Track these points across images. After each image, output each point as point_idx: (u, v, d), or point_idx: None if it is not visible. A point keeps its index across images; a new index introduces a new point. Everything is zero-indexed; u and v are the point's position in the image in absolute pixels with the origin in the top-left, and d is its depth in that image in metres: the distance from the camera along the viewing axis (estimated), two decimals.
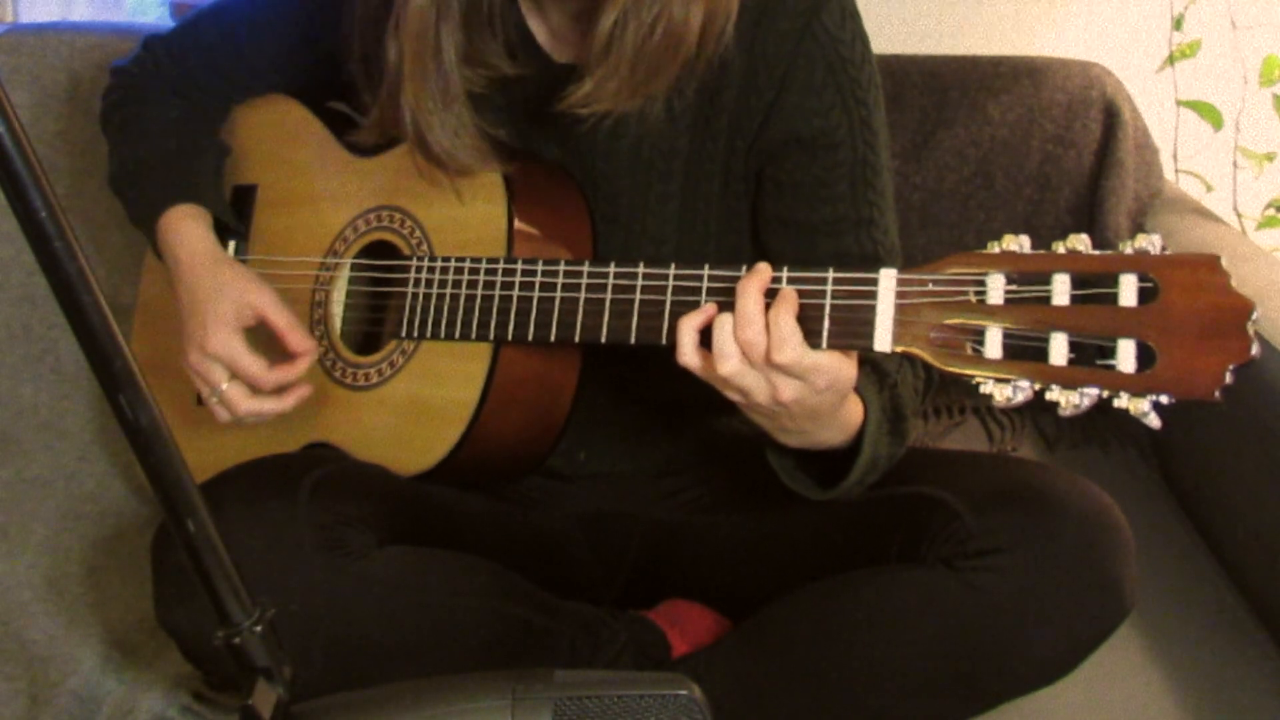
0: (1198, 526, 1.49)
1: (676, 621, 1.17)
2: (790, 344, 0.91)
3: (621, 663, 1.12)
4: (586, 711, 0.77)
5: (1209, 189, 1.84)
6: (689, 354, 0.95)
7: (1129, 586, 1.01)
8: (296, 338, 1.16)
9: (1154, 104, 1.77)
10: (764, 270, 0.94)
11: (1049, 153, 1.65)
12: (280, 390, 1.16)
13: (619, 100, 1.06)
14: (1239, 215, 1.84)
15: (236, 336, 1.15)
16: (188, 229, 1.21)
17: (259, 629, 0.75)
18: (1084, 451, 1.64)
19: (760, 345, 0.92)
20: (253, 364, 1.14)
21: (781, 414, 0.96)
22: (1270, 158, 1.81)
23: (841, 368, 0.94)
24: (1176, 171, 1.83)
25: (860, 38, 1.11)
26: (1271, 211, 1.84)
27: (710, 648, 1.12)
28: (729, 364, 0.93)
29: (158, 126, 1.28)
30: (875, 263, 1.09)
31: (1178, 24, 1.78)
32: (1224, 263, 0.80)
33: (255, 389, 1.15)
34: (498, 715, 0.76)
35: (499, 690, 0.78)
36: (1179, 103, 1.80)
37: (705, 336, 0.96)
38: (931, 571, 1.02)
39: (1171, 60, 1.79)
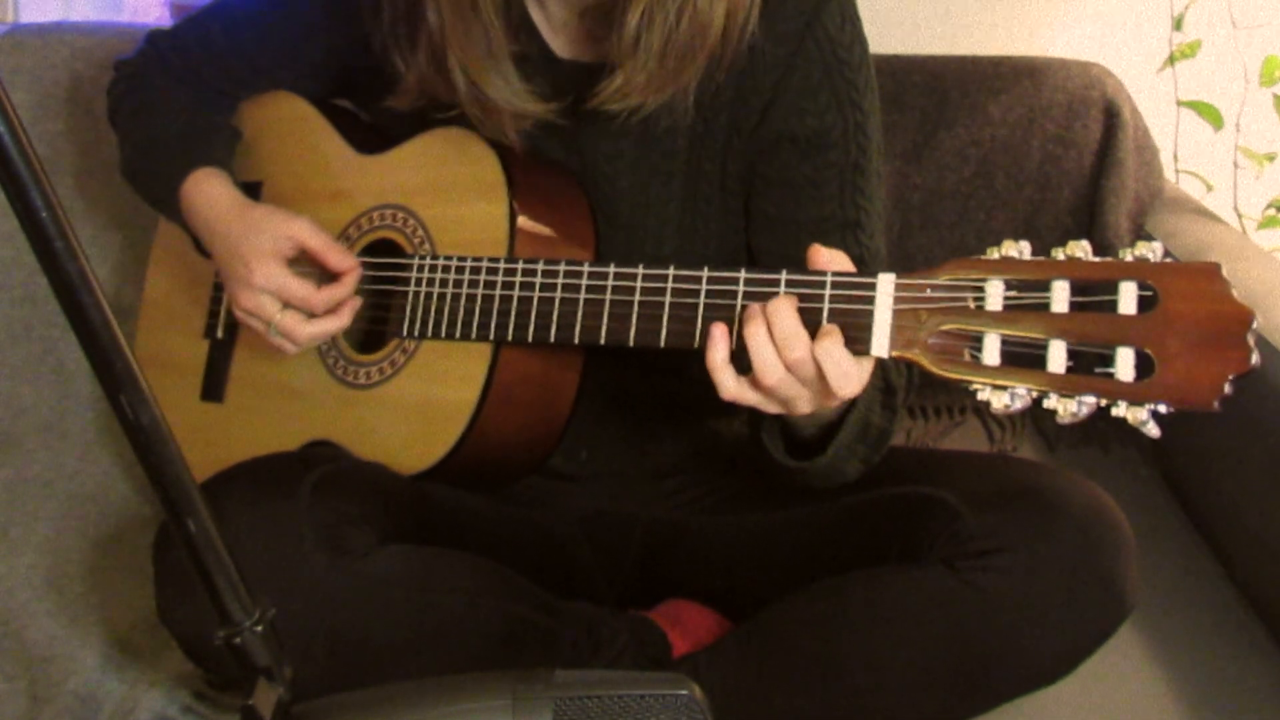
0: (1198, 526, 1.49)
1: (677, 621, 1.18)
2: (853, 377, 0.91)
3: (622, 662, 1.12)
4: (587, 711, 0.77)
5: (1209, 189, 1.84)
6: (731, 388, 0.94)
7: (1129, 587, 1.01)
8: (337, 257, 1.16)
9: (1154, 104, 1.77)
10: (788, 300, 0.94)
11: (1049, 153, 1.65)
12: (334, 310, 1.16)
13: (649, 93, 1.06)
14: (1239, 215, 1.84)
15: (279, 267, 1.15)
16: (211, 187, 1.22)
17: (260, 628, 0.75)
18: (1084, 451, 1.64)
19: (810, 366, 0.91)
20: (301, 288, 1.14)
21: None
22: (1271, 158, 1.81)
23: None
24: (1177, 171, 1.83)
25: (859, 41, 1.11)
26: (1272, 211, 1.84)
27: (711, 648, 1.12)
28: (773, 376, 0.92)
29: (167, 110, 1.29)
30: (859, 266, 1.09)
31: (1178, 24, 1.78)
32: (1224, 271, 0.79)
33: (309, 313, 1.15)
34: (498, 715, 0.76)
35: (499, 690, 0.78)
36: (1179, 103, 1.80)
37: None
38: (932, 571, 1.02)
39: (1172, 60, 1.79)
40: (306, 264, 1.17)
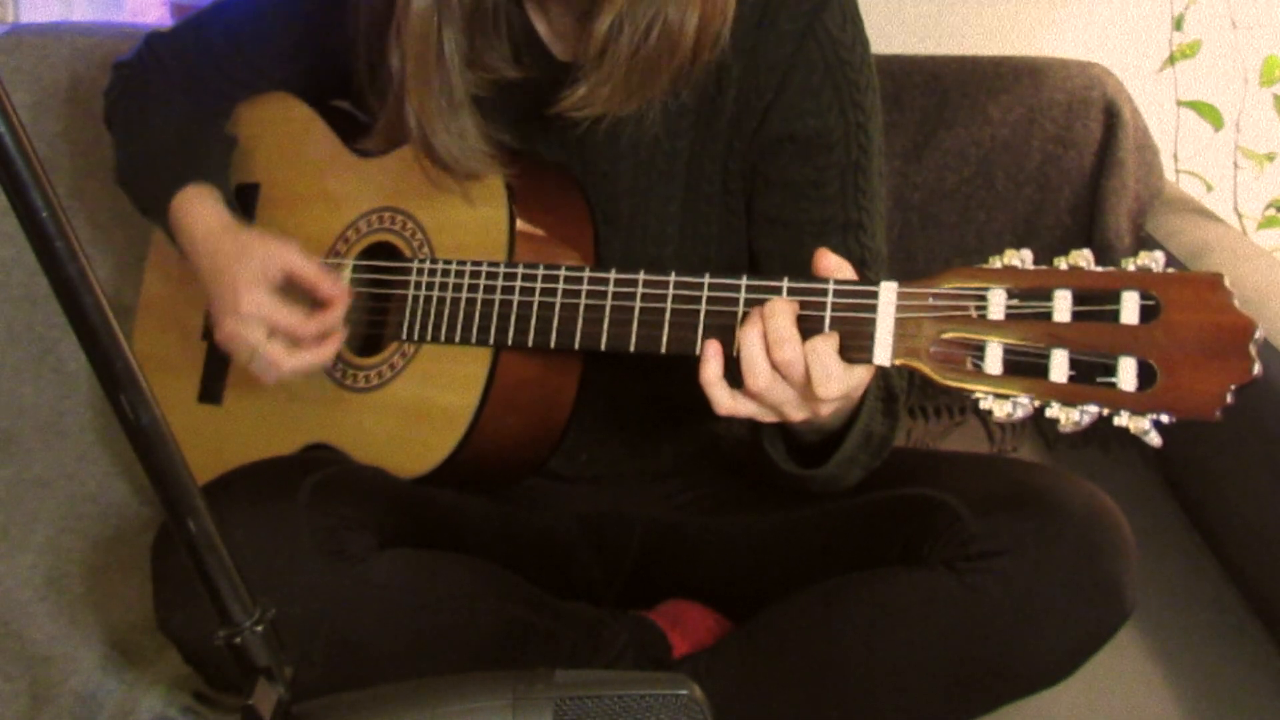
0: (1198, 527, 1.49)
1: (677, 622, 1.18)
2: (835, 377, 0.91)
3: (622, 663, 1.12)
4: (587, 711, 0.77)
5: (1209, 189, 1.84)
6: (726, 403, 0.94)
7: (1130, 589, 1.01)
8: (328, 284, 1.15)
9: (1154, 104, 1.77)
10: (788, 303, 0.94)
11: (1049, 153, 1.65)
12: (320, 339, 1.15)
13: (613, 104, 1.05)
14: (1239, 215, 1.84)
15: (268, 294, 1.13)
16: (201, 205, 1.21)
17: (260, 628, 0.75)
18: (1084, 452, 1.64)
19: (799, 367, 0.91)
20: (290, 316, 1.13)
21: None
22: (1271, 158, 1.81)
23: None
24: (1177, 171, 1.83)
25: (861, 41, 1.11)
26: (1272, 211, 1.84)
27: (711, 648, 1.12)
28: (760, 379, 0.92)
29: (162, 118, 1.29)
30: (860, 268, 1.09)
31: (1178, 24, 1.78)
32: (1227, 281, 0.79)
33: (295, 342, 1.14)
34: (498, 715, 0.77)
35: (499, 690, 0.78)
36: (1179, 103, 1.80)
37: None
38: (932, 573, 1.02)
39: (1172, 60, 1.79)
40: (294, 291, 1.16)
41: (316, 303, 1.16)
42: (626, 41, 1.02)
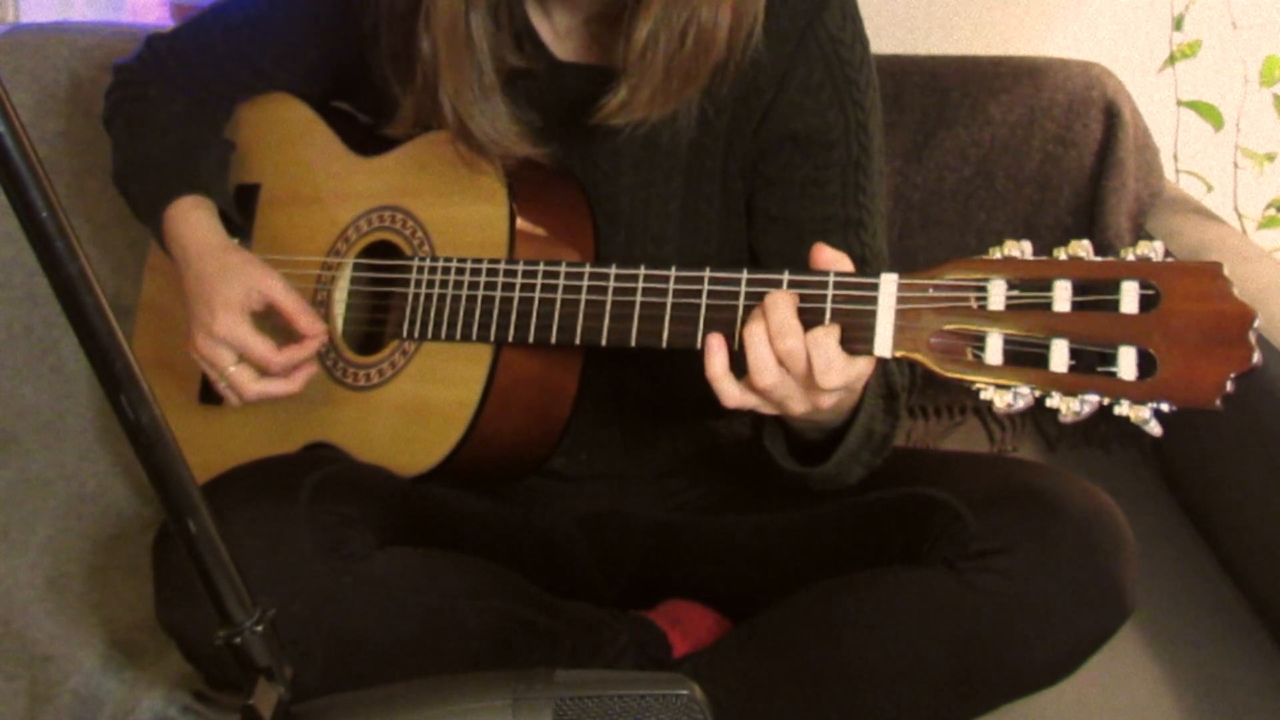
0: (1199, 527, 1.49)
1: (678, 622, 1.18)
2: (836, 367, 0.91)
3: (622, 663, 1.12)
4: (587, 711, 0.77)
5: (1209, 189, 1.84)
6: (735, 396, 0.94)
7: (1130, 588, 1.01)
8: (306, 320, 1.16)
9: (1154, 104, 1.77)
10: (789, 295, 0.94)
11: (1049, 153, 1.65)
12: (289, 371, 1.15)
13: (653, 108, 1.06)
14: (1240, 215, 1.84)
15: (244, 320, 1.15)
16: (195, 219, 1.22)
17: (260, 628, 0.75)
18: (1085, 452, 1.64)
19: (801, 358, 0.91)
20: (260, 345, 1.14)
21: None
22: (1271, 158, 1.81)
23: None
24: (1177, 171, 1.83)
25: (860, 40, 1.11)
26: (1272, 211, 1.84)
27: (711, 648, 1.13)
28: (768, 377, 0.92)
29: (162, 122, 1.29)
30: (861, 265, 1.09)
31: (1178, 24, 1.78)
32: (1226, 270, 0.80)
33: (264, 371, 1.15)
34: (498, 715, 0.77)
35: (500, 690, 0.78)
36: (1179, 103, 1.80)
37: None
38: (933, 572, 1.02)
39: (1172, 60, 1.79)
40: (272, 319, 1.17)
41: (292, 335, 1.16)
42: (664, 47, 1.02)
